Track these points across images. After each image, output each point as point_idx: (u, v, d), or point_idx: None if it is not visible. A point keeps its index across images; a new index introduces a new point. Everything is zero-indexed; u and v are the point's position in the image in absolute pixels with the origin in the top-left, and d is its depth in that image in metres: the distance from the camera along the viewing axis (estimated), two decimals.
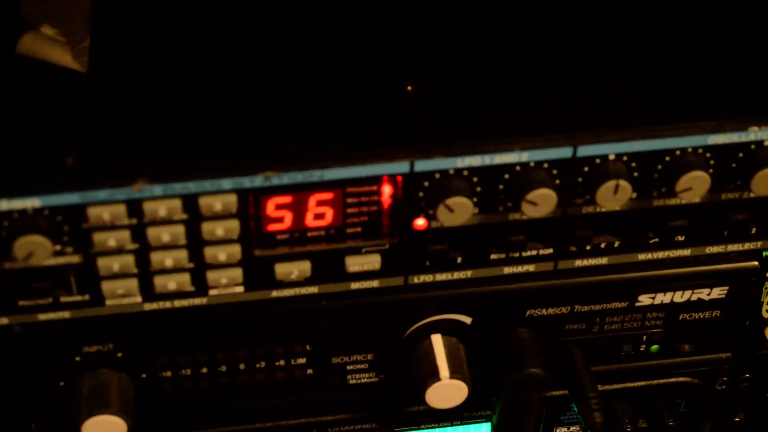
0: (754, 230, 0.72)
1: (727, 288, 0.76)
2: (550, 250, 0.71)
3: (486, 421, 0.81)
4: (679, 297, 0.75)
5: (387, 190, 0.67)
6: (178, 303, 0.69)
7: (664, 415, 0.81)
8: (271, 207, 0.66)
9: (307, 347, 0.73)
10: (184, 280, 0.67)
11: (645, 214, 0.70)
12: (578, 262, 0.72)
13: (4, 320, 0.67)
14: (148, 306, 0.68)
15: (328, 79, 0.70)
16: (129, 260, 0.66)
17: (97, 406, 0.69)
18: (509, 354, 0.74)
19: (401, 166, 0.65)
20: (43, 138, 0.65)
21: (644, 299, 0.75)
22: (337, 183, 0.66)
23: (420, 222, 0.68)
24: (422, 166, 0.66)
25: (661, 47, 0.73)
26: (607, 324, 0.76)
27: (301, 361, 0.74)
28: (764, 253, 0.75)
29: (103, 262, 0.66)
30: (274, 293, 0.70)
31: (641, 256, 0.73)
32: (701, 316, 0.77)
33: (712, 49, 0.73)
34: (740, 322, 0.78)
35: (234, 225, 0.66)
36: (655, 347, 0.78)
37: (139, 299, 0.68)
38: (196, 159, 0.64)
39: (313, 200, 0.66)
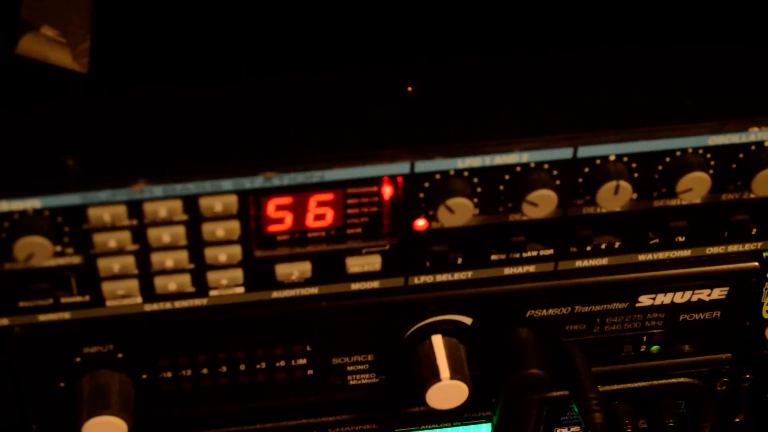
0: (754, 231, 0.72)
1: (727, 288, 0.76)
2: (551, 251, 0.71)
3: (486, 422, 0.81)
4: (680, 297, 0.75)
5: (387, 190, 0.67)
6: (179, 304, 0.69)
7: (665, 416, 0.81)
8: (271, 208, 0.66)
9: (308, 348, 0.73)
10: (184, 281, 0.67)
11: (645, 215, 0.70)
12: (579, 263, 0.72)
13: (5, 321, 0.67)
14: (149, 307, 0.68)
15: (328, 80, 0.70)
16: (129, 261, 0.66)
17: (97, 406, 0.69)
18: (510, 354, 0.74)
19: (402, 167, 0.65)
20: (43, 138, 0.65)
21: (644, 300, 0.75)
22: (338, 184, 0.66)
23: (420, 223, 0.68)
24: (423, 166, 0.66)
25: (661, 47, 0.73)
26: (607, 324, 0.76)
27: (302, 361, 0.74)
28: (764, 254, 0.75)
29: (103, 263, 0.66)
30: (275, 294, 0.70)
31: (642, 257, 0.73)
32: (701, 317, 0.77)
33: (712, 49, 0.73)
34: (740, 323, 0.78)
35: (234, 226, 0.66)
36: (655, 348, 0.78)
37: (139, 300, 0.68)
38: (196, 160, 0.64)
39: (313, 201, 0.66)
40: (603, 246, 0.72)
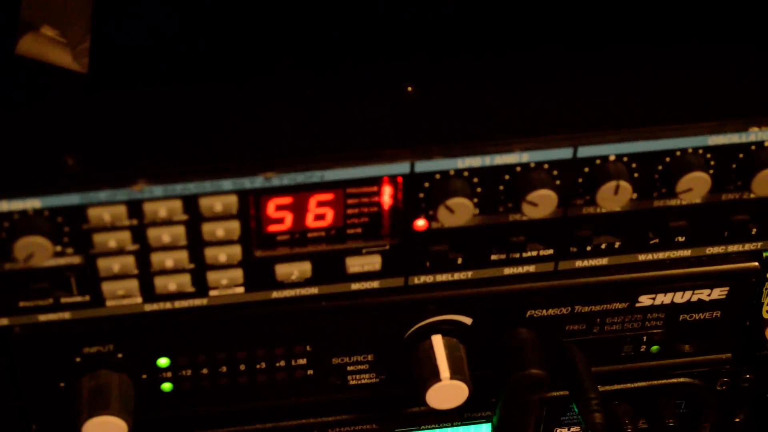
0: (754, 231, 0.72)
1: (727, 288, 0.76)
2: (551, 251, 0.71)
3: (486, 422, 0.81)
4: (680, 297, 0.75)
5: (387, 190, 0.67)
6: (179, 304, 0.69)
7: (665, 416, 0.81)
8: (271, 208, 0.66)
9: (308, 348, 0.73)
10: (184, 281, 0.67)
11: (645, 215, 0.70)
12: (579, 263, 0.72)
13: (5, 321, 0.67)
14: (149, 307, 0.68)
15: (327, 79, 0.70)
16: (129, 261, 0.66)
17: (97, 406, 0.69)
18: (510, 354, 0.74)
19: (402, 167, 0.65)
20: (43, 138, 0.65)
21: (644, 300, 0.75)
22: (338, 184, 0.66)
23: (420, 223, 0.68)
24: (423, 166, 0.66)
25: (661, 47, 0.73)
26: (607, 324, 0.76)
27: (302, 361, 0.74)
28: (764, 254, 0.75)
29: (103, 263, 0.66)
30: (275, 294, 0.70)
31: (642, 257, 0.73)
32: (701, 317, 0.77)
33: (712, 49, 0.73)
34: (740, 323, 0.78)
35: (234, 226, 0.66)
36: (655, 348, 0.78)
37: (139, 300, 0.68)
38: (196, 160, 0.64)
39: (313, 201, 0.66)
40: (603, 246, 0.72)
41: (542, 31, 0.74)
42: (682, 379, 0.81)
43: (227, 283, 0.68)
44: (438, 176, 0.66)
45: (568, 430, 0.83)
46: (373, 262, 0.69)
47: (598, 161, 0.67)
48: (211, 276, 0.68)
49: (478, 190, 0.67)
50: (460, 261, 0.70)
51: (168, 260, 0.66)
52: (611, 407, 0.81)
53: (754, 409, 0.84)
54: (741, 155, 0.68)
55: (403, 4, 0.76)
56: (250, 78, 0.70)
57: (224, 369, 0.73)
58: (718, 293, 0.76)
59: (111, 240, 0.65)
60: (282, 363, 0.74)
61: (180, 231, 0.65)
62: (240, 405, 0.75)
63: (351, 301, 0.71)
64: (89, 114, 0.67)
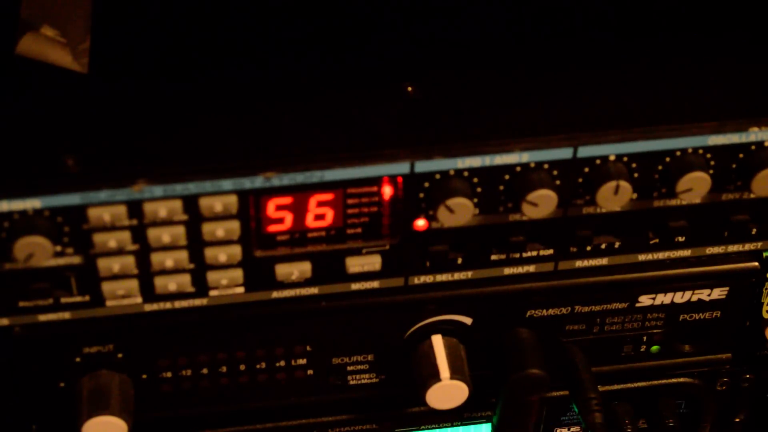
0: (754, 231, 0.72)
1: (727, 288, 0.76)
2: (551, 251, 0.71)
3: (486, 422, 0.81)
4: (680, 297, 0.75)
5: (387, 190, 0.67)
6: (179, 304, 0.69)
7: (665, 416, 0.81)
8: (271, 208, 0.66)
9: (308, 348, 0.73)
10: (184, 281, 0.67)
11: (645, 215, 0.70)
12: (578, 263, 0.72)
13: (5, 321, 0.67)
14: (149, 307, 0.68)
15: (328, 80, 0.70)
16: (129, 261, 0.66)
17: (97, 406, 0.69)
18: (510, 354, 0.74)
19: (402, 167, 0.65)
20: (43, 138, 0.65)
21: (644, 300, 0.75)
22: (338, 184, 0.66)
23: (420, 223, 0.68)
24: (423, 166, 0.66)
25: (661, 47, 0.73)
26: (607, 324, 0.76)
27: (302, 361, 0.74)
28: (764, 254, 0.75)
29: (103, 263, 0.66)
30: (275, 294, 0.70)
31: (641, 257, 0.73)
32: (701, 317, 0.77)
33: (712, 49, 0.73)
34: (740, 323, 0.78)
35: (234, 226, 0.66)
36: (655, 348, 0.78)
37: (139, 300, 0.68)
38: (196, 160, 0.64)
39: (313, 201, 0.66)
40: (603, 246, 0.72)
41: (541, 31, 0.74)
42: (682, 379, 0.81)
43: (227, 283, 0.68)
44: (438, 176, 0.66)
45: (568, 430, 0.83)
46: (373, 262, 0.69)
47: (598, 161, 0.67)
48: (211, 276, 0.68)
49: (478, 190, 0.67)
50: (460, 261, 0.70)
51: (168, 260, 0.66)
52: (611, 407, 0.81)
53: (754, 409, 0.84)
54: (741, 155, 0.68)
55: (403, 4, 0.76)
56: (250, 77, 0.70)
57: (224, 369, 0.73)
58: (718, 293, 0.76)
59: (111, 240, 0.65)
60: (282, 363, 0.74)
61: (180, 231, 0.65)
62: (240, 405, 0.75)
63: (351, 301, 0.71)
64: (89, 114, 0.67)
